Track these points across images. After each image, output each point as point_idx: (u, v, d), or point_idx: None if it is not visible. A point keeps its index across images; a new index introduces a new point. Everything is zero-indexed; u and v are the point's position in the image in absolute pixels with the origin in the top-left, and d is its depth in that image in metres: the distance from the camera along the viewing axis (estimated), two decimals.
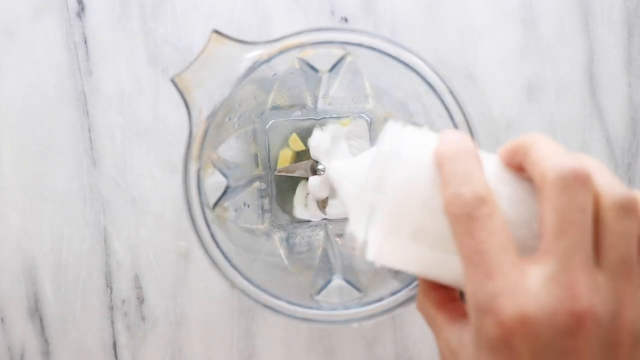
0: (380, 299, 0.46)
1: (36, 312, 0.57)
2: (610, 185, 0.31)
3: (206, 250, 0.47)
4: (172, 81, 0.44)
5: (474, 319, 0.30)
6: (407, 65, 0.46)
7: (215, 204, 0.49)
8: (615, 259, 0.30)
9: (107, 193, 0.56)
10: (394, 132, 0.37)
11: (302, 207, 0.54)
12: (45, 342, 0.57)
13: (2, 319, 0.57)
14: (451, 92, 0.46)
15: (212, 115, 0.45)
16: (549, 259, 0.30)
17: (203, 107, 0.45)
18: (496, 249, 0.30)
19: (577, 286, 0.29)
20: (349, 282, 0.52)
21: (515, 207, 0.33)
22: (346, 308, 0.47)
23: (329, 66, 0.50)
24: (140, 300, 0.57)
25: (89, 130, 0.56)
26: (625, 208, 0.31)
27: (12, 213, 0.56)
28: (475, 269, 0.30)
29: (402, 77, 0.47)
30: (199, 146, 0.46)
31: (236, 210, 0.51)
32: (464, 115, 0.46)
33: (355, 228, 0.38)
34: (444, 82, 0.46)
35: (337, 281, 0.51)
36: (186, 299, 0.57)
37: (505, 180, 0.34)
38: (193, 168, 0.46)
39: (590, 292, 0.29)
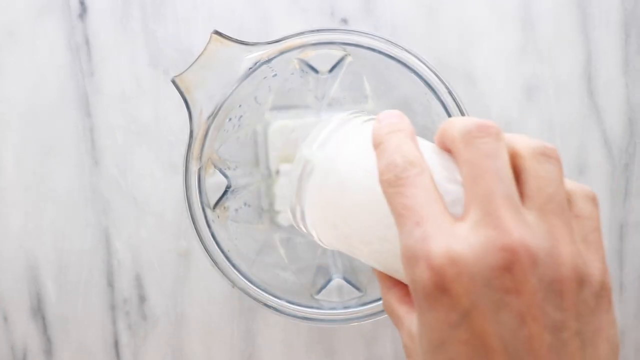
0: (380, 299, 0.46)
1: (38, 311, 0.57)
2: (525, 139, 0.32)
3: (207, 250, 0.47)
4: (173, 82, 0.45)
5: (407, 272, 0.30)
6: (406, 65, 0.47)
7: (216, 204, 0.49)
8: (544, 199, 0.30)
9: (108, 193, 0.57)
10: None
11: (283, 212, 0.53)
12: (47, 341, 0.57)
13: (4, 318, 0.57)
14: (450, 93, 0.46)
15: (213, 115, 0.46)
16: (471, 208, 0.30)
17: (204, 107, 0.45)
18: (424, 201, 0.30)
19: (504, 223, 0.29)
20: (348, 282, 0.52)
21: (450, 171, 0.33)
22: (346, 307, 0.48)
23: (329, 67, 0.50)
24: (142, 299, 0.57)
25: (91, 131, 0.56)
26: (545, 154, 0.31)
27: (14, 213, 0.57)
28: (405, 222, 0.30)
29: (401, 78, 0.47)
30: (199, 146, 0.46)
31: (236, 210, 0.51)
32: (463, 115, 0.46)
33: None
34: (444, 83, 0.46)
35: (337, 280, 0.52)
36: (187, 298, 0.57)
37: (439, 152, 0.34)
38: (194, 168, 0.46)
39: (520, 228, 0.29)
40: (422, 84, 0.47)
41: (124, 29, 0.56)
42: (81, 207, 0.57)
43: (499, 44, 0.57)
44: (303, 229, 0.41)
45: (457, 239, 0.29)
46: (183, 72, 0.45)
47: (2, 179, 0.56)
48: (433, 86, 0.46)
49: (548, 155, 0.31)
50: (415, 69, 0.46)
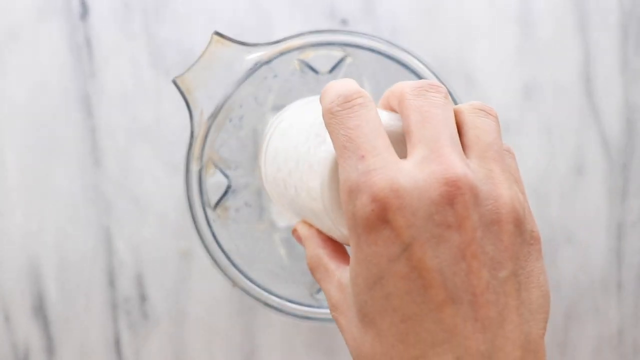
0: None
1: (40, 311, 0.57)
2: (467, 102, 0.33)
3: (207, 250, 0.47)
4: (174, 82, 0.45)
5: (347, 206, 0.30)
6: (406, 66, 0.47)
7: (217, 204, 0.49)
8: (483, 147, 0.31)
9: (109, 193, 0.57)
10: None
11: (278, 212, 0.54)
12: (48, 340, 0.58)
13: (6, 317, 0.57)
14: (450, 94, 0.46)
15: (213, 116, 0.46)
16: (417, 148, 0.30)
17: (204, 108, 0.46)
18: (369, 134, 0.30)
19: (449, 160, 0.29)
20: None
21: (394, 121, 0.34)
22: None
23: (329, 67, 0.50)
24: (143, 298, 0.57)
25: (92, 131, 0.56)
26: (484, 109, 0.32)
27: (16, 213, 0.57)
28: (349, 155, 0.30)
29: (401, 78, 0.47)
30: (200, 147, 0.46)
31: (237, 210, 0.52)
32: None
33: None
34: (443, 83, 0.46)
35: None
36: (188, 297, 0.57)
37: (386, 107, 0.36)
38: (195, 168, 0.47)
39: (464, 166, 0.29)
40: None
41: (125, 30, 0.56)
42: (83, 207, 0.57)
43: (498, 44, 0.57)
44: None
45: (401, 173, 0.29)
46: (184, 72, 0.45)
47: (5, 179, 0.57)
48: None
49: (486, 111, 0.32)
50: (415, 70, 0.47)
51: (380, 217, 0.29)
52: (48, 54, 0.56)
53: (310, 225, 0.38)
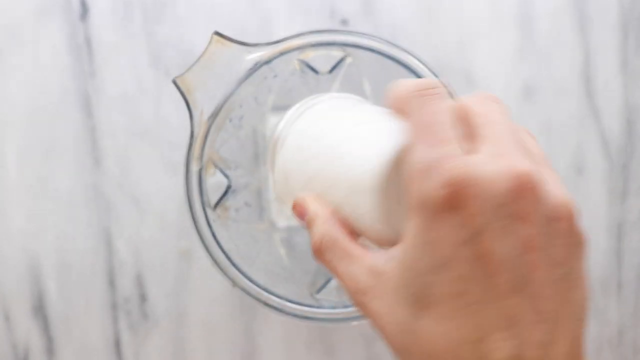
0: None
1: (40, 311, 0.57)
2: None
3: (208, 250, 0.47)
4: (174, 82, 0.45)
5: (415, 186, 0.30)
6: (406, 66, 0.47)
7: (217, 204, 0.50)
8: (537, 153, 0.32)
9: (109, 193, 0.57)
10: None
11: (278, 211, 0.54)
12: (49, 340, 0.58)
13: (6, 317, 0.57)
14: (450, 94, 0.46)
15: (213, 116, 0.46)
16: (485, 144, 0.31)
17: (204, 108, 0.46)
18: (448, 123, 0.31)
19: (516, 157, 0.30)
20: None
21: None
22: (346, 306, 0.48)
23: (329, 67, 0.50)
24: (143, 298, 0.57)
25: (92, 131, 0.56)
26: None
27: (16, 213, 0.57)
28: (427, 137, 0.31)
29: (401, 79, 0.47)
30: (200, 147, 0.46)
31: (237, 210, 0.52)
32: None
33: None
34: (443, 84, 0.46)
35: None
36: (188, 297, 0.57)
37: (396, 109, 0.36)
38: (195, 168, 0.47)
39: (530, 163, 0.30)
40: None
41: (125, 30, 0.56)
42: (83, 207, 0.57)
43: (498, 44, 0.57)
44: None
45: (475, 163, 0.30)
46: (184, 72, 0.45)
47: (5, 179, 0.57)
48: None
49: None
50: (415, 70, 0.47)
51: (452, 202, 0.29)
52: (48, 54, 0.56)
53: (323, 203, 0.38)
